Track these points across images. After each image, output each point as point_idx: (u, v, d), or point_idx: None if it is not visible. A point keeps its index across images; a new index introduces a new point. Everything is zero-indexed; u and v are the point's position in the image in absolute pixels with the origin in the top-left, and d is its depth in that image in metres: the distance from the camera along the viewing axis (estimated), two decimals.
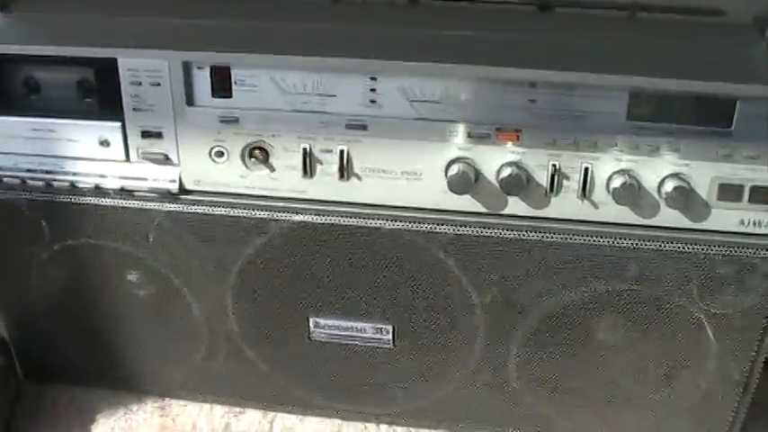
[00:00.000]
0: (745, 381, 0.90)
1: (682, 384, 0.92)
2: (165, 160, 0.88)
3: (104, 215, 0.91)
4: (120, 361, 1.03)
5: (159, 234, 0.91)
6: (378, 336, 0.94)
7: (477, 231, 0.86)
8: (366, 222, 0.87)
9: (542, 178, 0.83)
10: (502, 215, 0.85)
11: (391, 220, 0.87)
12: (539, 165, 0.82)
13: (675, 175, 0.81)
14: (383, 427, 1.04)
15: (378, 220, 0.87)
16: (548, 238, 0.85)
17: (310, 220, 0.88)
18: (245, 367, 1.00)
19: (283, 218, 0.88)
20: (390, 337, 0.94)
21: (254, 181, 0.88)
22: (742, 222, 0.82)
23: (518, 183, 0.82)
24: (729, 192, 0.81)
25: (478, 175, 0.84)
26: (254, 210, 0.88)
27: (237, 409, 1.05)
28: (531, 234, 0.85)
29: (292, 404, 1.04)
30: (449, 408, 0.99)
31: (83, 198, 0.91)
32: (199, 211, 0.89)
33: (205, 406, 1.06)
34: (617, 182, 0.81)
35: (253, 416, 1.05)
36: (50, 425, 1.03)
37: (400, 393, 0.99)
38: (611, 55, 0.81)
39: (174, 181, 0.89)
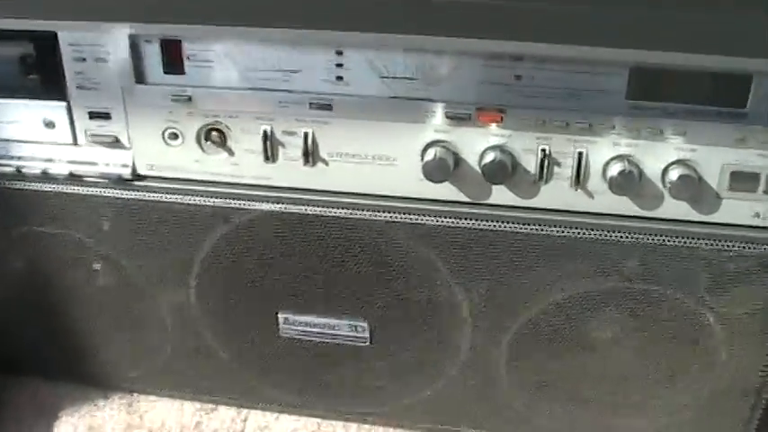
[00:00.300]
0: (757, 387, 0.83)
1: (686, 390, 0.85)
2: (116, 143, 0.81)
3: (54, 202, 0.85)
4: (84, 354, 0.98)
5: (114, 222, 0.85)
6: (353, 333, 0.87)
7: (457, 223, 0.78)
8: (334, 212, 0.80)
9: (530, 164, 0.76)
10: (485, 205, 0.78)
11: (362, 210, 0.79)
12: (526, 149, 0.75)
13: (681, 162, 0.74)
14: (365, 427, 0.97)
15: (347, 209, 0.79)
16: (537, 230, 0.78)
17: (275, 208, 0.81)
18: (214, 363, 0.94)
19: (246, 206, 0.81)
20: (367, 334, 0.87)
21: (213, 166, 0.81)
22: (757, 215, 0.75)
23: (503, 169, 0.75)
24: (743, 180, 0.74)
25: (458, 160, 0.76)
26: (213, 197, 0.81)
27: (209, 407, 1.00)
28: (518, 226, 0.78)
29: (267, 402, 0.98)
30: (435, 408, 0.93)
31: (30, 184, 0.84)
32: (153, 198, 0.82)
33: (175, 402, 1.00)
34: (615, 169, 0.74)
35: (225, 413, 0.99)
36: (14, 421, 0.97)
37: (381, 392, 0.93)
38: (608, 25, 0.72)
39: (126, 165, 0.82)
